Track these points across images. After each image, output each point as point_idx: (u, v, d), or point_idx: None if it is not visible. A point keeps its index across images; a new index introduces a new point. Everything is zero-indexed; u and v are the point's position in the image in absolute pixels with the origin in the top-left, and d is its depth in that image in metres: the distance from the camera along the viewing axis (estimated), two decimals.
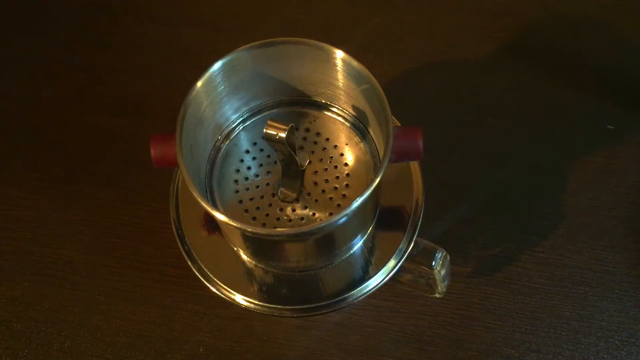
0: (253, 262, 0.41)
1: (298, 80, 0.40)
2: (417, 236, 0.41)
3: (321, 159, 0.40)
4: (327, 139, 0.41)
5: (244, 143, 0.41)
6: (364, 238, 0.41)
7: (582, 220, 0.51)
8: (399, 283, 0.45)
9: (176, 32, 0.60)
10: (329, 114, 0.42)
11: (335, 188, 0.40)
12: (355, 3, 0.61)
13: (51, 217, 0.53)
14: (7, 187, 0.54)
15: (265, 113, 0.42)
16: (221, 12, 0.61)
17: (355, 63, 0.37)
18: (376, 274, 0.40)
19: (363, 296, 0.40)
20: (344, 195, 0.39)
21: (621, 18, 0.59)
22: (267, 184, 0.40)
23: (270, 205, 0.39)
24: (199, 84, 0.37)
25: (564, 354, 0.47)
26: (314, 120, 0.41)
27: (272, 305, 0.40)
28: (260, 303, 0.40)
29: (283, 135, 0.35)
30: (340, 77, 0.39)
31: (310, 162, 0.40)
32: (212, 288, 0.41)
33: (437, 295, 0.44)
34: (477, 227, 0.51)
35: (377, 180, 0.34)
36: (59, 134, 0.56)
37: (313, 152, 0.41)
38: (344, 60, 0.37)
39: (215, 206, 0.38)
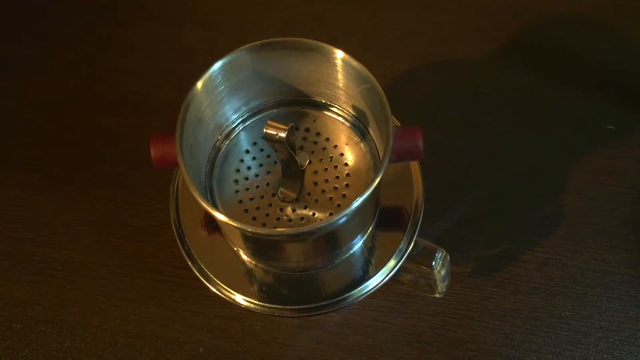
0: (253, 262, 0.41)
1: (298, 80, 0.40)
2: (417, 236, 0.41)
3: (321, 159, 0.40)
4: (327, 139, 0.41)
5: (244, 143, 0.41)
6: (364, 238, 0.41)
7: (582, 220, 0.51)
8: (399, 283, 0.45)
9: (176, 32, 0.60)
10: (329, 114, 0.42)
11: (335, 188, 0.40)
12: (355, 3, 0.61)
13: (51, 217, 0.53)
14: (7, 187, 0.54)
15: (265, 113, 0.42)
16: (221, 12, 0.61)
17: (355, 63, 0.37)
18: (376, 274, 0.40)
19: (363, 296, 0.40)
20: (344, 195, 0.39)
21: (621, 18, 0.59)
22: (267, 184, 0.40)
23: (270, 205, 0.39)
24: (199, 84, 0.37)
25: (564, 354, 0.47)
26: (314, 120, 0.41)
27: (272, 305, 0.40)
28: (260, 303, 0.40)
29: (283, 135, 0.35)
30: (340, 77, 0.39)
31: (310, 162, 0.40)
32: (212, 288, 0.41)
33: (437, 295, 0.44)
34: (477, 227, 0.51)
35: (377, 180, 0.34)
36: (59, 134, 0.56)
37: (313, 152, 0.41)
38: (344, 60, 0.37)
39: (215, 206, 0.38)
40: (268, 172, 0.40)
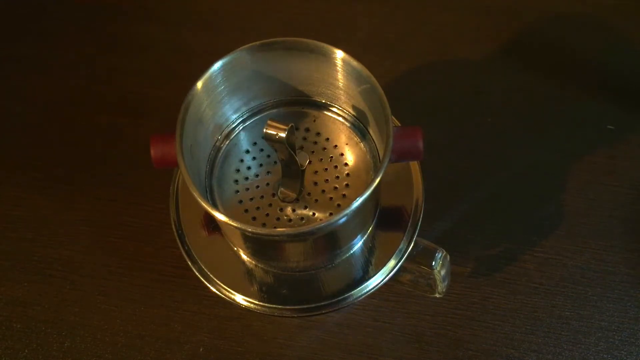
0: (253, 262, 0.41)
1: (298, 80, 0.40)
2: (417, 236, 0.41)
3: (321, 159, 0.40)
4: (327, 139, 0.41)
5: (244, 143, 0.41)
6: (364, 238, 0.41)
7: (582, 220, 0.51)
8: (399, 283, 0.45)
9: (176, 32, 0.60)
10: (329, 114, 0.42)
11: (335, 188, 0.40)
12: (355, 3, 0.61)
13: (51, 217, 0.53)
14: (7, 187, 0.54)
15: (265, 113, 0.42)
16: (221, 12, 0.61)
17: (355, 63, 0.37)
18: (376, 274, 0.40)
19: (363, 296, 0.40)
20: (344, 195, 0.39)
21: (621, 18, 0.59)
22: (267, 184, 0.40)
23: (270, 205, 0.39)
24: (199, 84, 0.37)
25: (564, 354, 0.47)
26: (314, 120, 0.41)
27: (272, 305, 0.40)
28: (260, 303, 0.40)
29: (283, 135, 0.35)
30: (340, 77, 0.39)
31: (310, 162, 0.40)
32: (212, 288, 0.41)
33: (437, 295, 0.44)
34: (477, 227, 0.51)
35: (377, 180, 0.34)
36: (59, 133, 0.56)
37: (313, 152, 0.41)
38: (344, 60, 0.37)
39: (215, 206, 0.38)
40: (268, 172, 0.40)
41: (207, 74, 0.37)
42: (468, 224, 0.51)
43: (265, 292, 0.40)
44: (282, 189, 0.39)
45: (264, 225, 0.39)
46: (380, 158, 0.37)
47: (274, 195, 0.40)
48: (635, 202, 0.51)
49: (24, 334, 0.49)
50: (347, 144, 0.41)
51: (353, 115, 0.41)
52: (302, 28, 0.60)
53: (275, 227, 0.39)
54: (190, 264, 0.41)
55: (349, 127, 0.41)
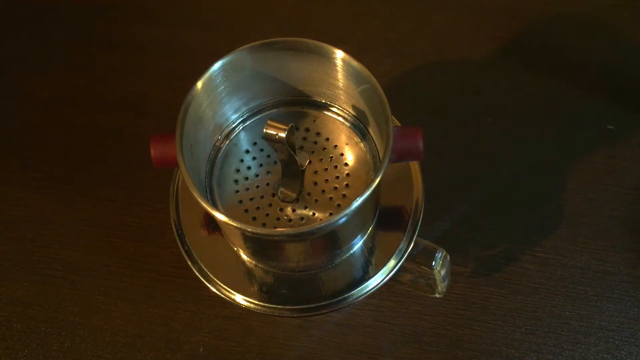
0: (253, 262, 0.41)
1: (298, 80, 0.40)
2: (417, 236, 0.41)
3: (321, 159, 0.40)
4: (327, 139, 0.41)
5: (244, 143, 0.41)
6: (364, 238, 0.41)
7: (582, 220, 0.51)
8: (399, 283, 0.45)
9: (176, 32, 0.60)
10: (329, 114, 0.42)
11: (335, 188, 0.40)
12: (355, 3, 0.61)
13: (51, 217, 0.53)
14: (7, 187, 0.54)
15: (265, 113, 0.42)
16: (221, 12, 0.61)
17: (355, 63, 0.37)
18: (376, 274, 0.40)
19: (363, 296, 0.40)
20: (344, 195, 0.39)
21: (621, 18, 0.59)
22: (267, 184, 0.40)
23: (270, 205, 0.39)
24: (199, 84, 0.37)
25: (564, 354, 0.47)
26: (314, 120, 0.41)
27: (272, 305, 0.40)
28: (260, 303, 0.40)
29: (283, 135, 0.35)
30: (340, 77, 0.39)
31: (310, 162, 0.40)
32: (212, 288, 0.41)
33: (437, 295, 0.44)
34: (477, 227, 0.51)
35: (377, 180, 0.34)
36: (59, 134, 0.56)
37: (313, 152, 0.41)
38: (344, 60, 0.37)
39: (215, 206, 0.38)
40: (268, 172, 0.40)
41: (207, 74, 0.37)
42: (468, 224, 0.51)
43: (265, 292, 0.40)
44: (282, 189, 0.39)
45: (264, 225, 0.39)
46: (380, 158, 0.37)
47: (274, 195, 0.40)
48: (635, 202, 0.51)
49: (24, 334, 0.49)
50: (347, 144, 0.41)
51: (353, 115, 0.41)
52: (302, 28, 0.60)
53: (275, 227, 0.39)
54: (190, 264, 0.41)
55: (349, 127, 0.41)
